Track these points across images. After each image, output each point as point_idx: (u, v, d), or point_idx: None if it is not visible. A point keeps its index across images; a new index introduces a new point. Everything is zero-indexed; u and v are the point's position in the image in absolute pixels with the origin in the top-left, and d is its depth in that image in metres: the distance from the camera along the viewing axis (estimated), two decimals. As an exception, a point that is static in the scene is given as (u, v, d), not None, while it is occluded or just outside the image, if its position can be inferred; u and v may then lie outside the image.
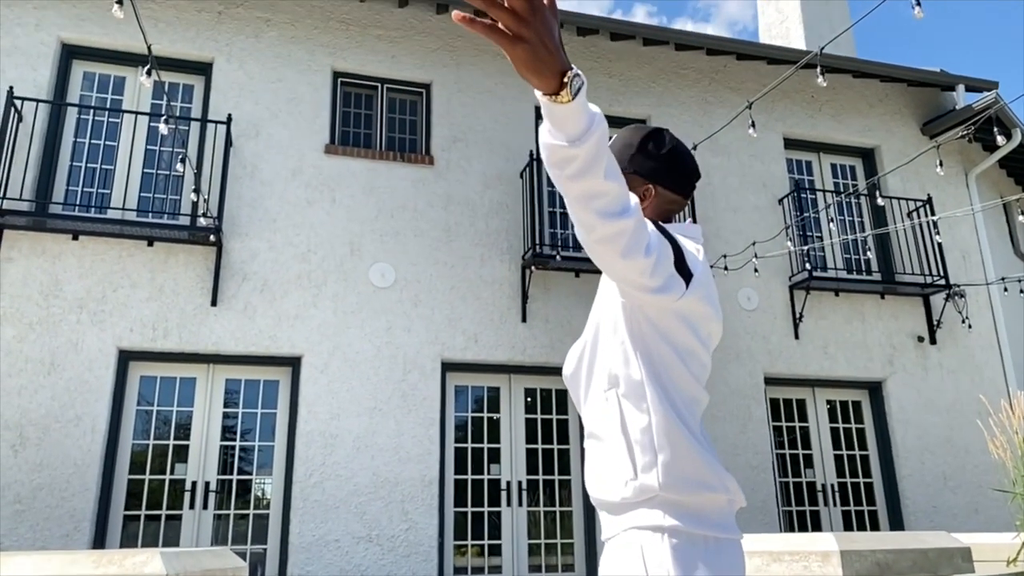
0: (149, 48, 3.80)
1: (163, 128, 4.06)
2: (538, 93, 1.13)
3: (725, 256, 7.95)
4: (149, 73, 3.59)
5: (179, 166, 5.00)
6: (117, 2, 3.02)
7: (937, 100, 9.59)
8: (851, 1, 24.30)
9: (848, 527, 7.92)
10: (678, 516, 1.37)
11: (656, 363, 1.45)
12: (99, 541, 6.02)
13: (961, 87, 9.08)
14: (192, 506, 6.35)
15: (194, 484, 6.40)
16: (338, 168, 7.31)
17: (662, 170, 1.66)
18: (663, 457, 1.40)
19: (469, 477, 7.00)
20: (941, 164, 5.62)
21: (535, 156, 7.62)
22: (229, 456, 6.57)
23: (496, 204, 7.64)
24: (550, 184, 7.99)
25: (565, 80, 1.11)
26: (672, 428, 1.42)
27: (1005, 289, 8.44)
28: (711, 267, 5.41)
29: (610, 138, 1.70)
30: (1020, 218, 6.21)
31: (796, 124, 8.97)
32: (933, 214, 8.30)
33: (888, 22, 32.84)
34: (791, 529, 7.74)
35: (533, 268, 7.36)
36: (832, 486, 7.95)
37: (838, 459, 8.08)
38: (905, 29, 34.26)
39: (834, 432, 8.17)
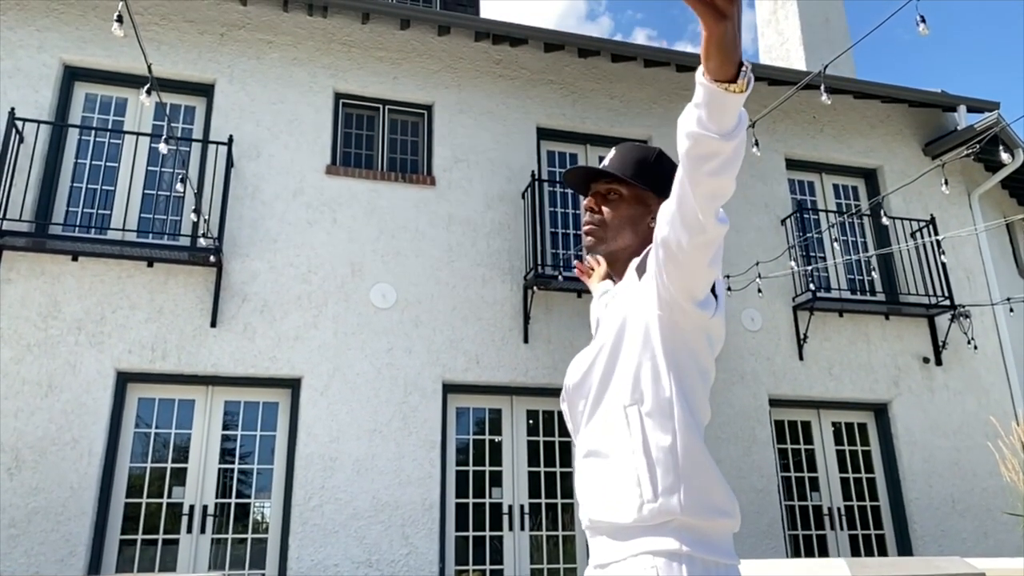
0: (149, 67, 3.79)
1: (163, 148, 4.04)
2: (705, 80, 1.13)
3: (728, 276, 7.90)
4: (149, 92, 3.57)
5: (179, 186, 4.97)
6: (116, 20, 3.01)
7: (938, 121, 9.59)
8: (852, 24, 24.43)
9: (855, 552, 7.79)
10: (693, 542, 1.32)
11: (684, 381, 1.40)
12: (95, 566, 5.92)
13: (963, 107, 9.08)
14: (190, 530, 6.26)
15: (192, 508, 6.31)
16: (339, 189, 7.30)
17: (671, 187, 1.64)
18: (686, 480, 1.35)
19: (470, 501, 6.90)
20: (946, 182, 5.59)
21: (536, 176, 7.60)
22: (227, 479, 6.49)
23: (498, 225, 7.61)
24: (552, 204, 7.97)
25: (742, 70, 1.12)
26: (697, 450, 1.37)
27: (1011, 309, 8.38)
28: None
29: (628, 153, 1.68)
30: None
31: (798, 145, 8.97)
32: (936, 234, 8.26)
33: (888, 45, 33.08)
34: (797, 554, 7.62)
35: (535, 289, 7.31)
36: (839, 509, 7.84)
37: (844, 482, 7.97)
38: (905, 52, 34.51)
39: (840, 454, 8.07)
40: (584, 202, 1.68)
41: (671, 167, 1.62)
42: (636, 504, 1.35)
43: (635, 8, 41.13)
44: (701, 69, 1.14)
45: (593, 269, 2.24)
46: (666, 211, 1.30)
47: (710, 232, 1.24)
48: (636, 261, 1.56)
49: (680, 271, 1.31)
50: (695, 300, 1.35)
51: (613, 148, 1.70)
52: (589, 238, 1.64)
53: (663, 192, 1.57)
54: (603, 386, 1.48)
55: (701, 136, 1.17)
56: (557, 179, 8.13)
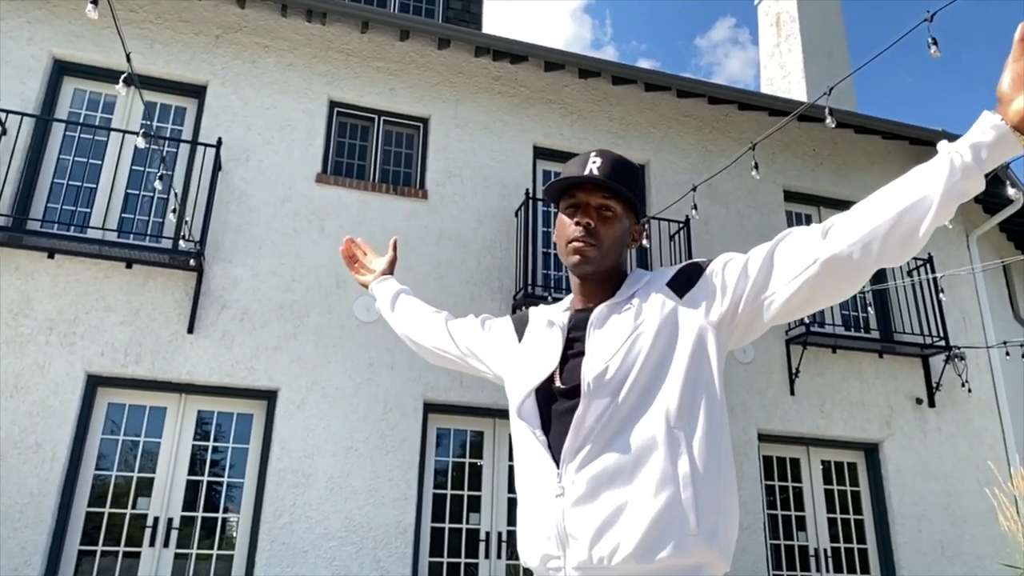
0: (128, 56, 3.64)
1: (140, 142, 3.87)
2: (1005, 128, 1.15)
3: (721, 306, 7.73)
4: (127, 83, 3.41)
5: (157, 184, 4.80)
6: (92, 2, 2.86)
7: (939, 160, 9.50)
8: (855, 60, 24.56)
9: (841, 595, 7.57)
10: None
11: (726, 408, 1.36)
12: (50, 577, 5.66)
13: (963, 147, 8.99)
14: (152, 543, 6.01)
15: (156, 520, 6.06)
16: (329, 198, 7.14)
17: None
18: (725, 519, 1.25)
19: (447, 525, 6.67)
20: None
21: (531, 195, 7.46)
22: (196, 492, 6.25)
23: (489, 242, 7.45)
24: (545, 224, 7.82)
25: None
26: (734, 488, 1.30)
27: (1007, 353, 8.24)
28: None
29: (621, 165, 1.55)
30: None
31: (797, 177, 8.86)
32: (934, 271, 8.14)
33: (890, 87, 33.29)
34: (781, 595, 7.39)
35: (524, 309, 7.12)
36: (825, 551, 7.63)
37: (832, 522, 7.77)
38: (907, 95, 34.74)
39: (828, 494, 7.87)
40: (575, 216, 1.52)
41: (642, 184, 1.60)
42: (669, 542, 1.20)
43: (640, 39, 41.41)
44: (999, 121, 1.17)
45: (366, 254, 2.11)
46: (843, 255, 1.29)
47: (898, 262, 1.29)
48: (667, 276, 1.49)
49: (839, 295, 1.33)
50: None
51: (596, 153, 1.54)
52: (577, 256, 1.50)
53: (641, 213, 1.59)
54: (642, 401, 1.33)
55: (981, 182, 1.20)
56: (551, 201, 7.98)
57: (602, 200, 1.51)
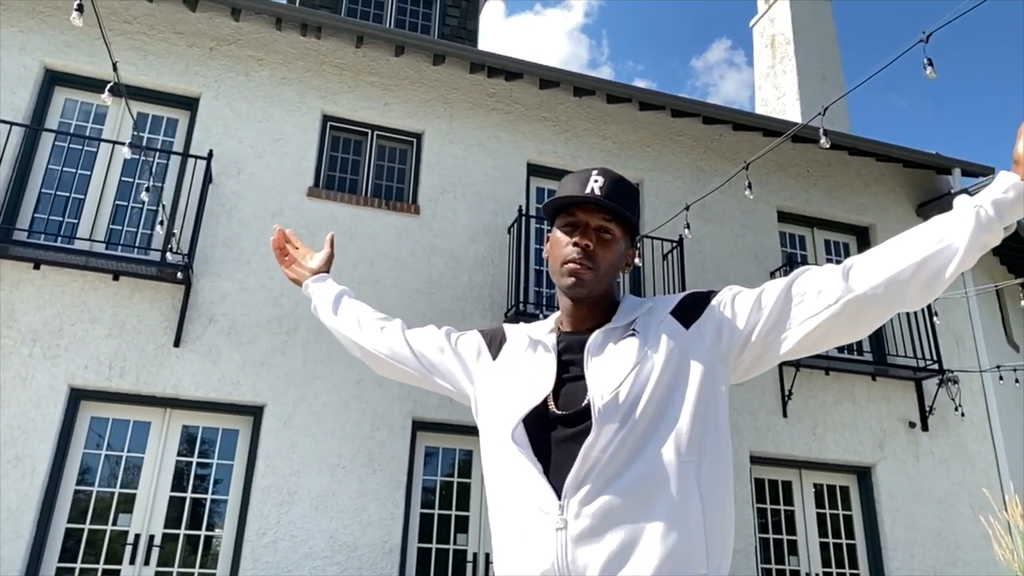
0: (115, 65, 3.59)
1: (126, 152, 3.82)
2: (1018, 186, 1.23)
3: (714, 327, 7.68)
4: (113, 92, 3.36)
5: (143, 195, 4.74)
6: (77, 9, 2.81)
7: (932, 183, 9.53)
8: (849, 83, 24.75)
9: (833, 621, 7.47)
10: None
11: (730, 444, 1.37)
12: (26, 595, 5.54)
13: (957, 171, 9.02)
14: (133, 561, 5.89)
15: (137, 537, 5.94)
16: (320, 212, 7.08)
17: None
18: (728, 552, 1.26)
19: (434, 546, 6.57)
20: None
21: (524, 212, 7.42)
22: (178, 509, 6.14)
23: (481, 258, 7.40)
24: (538, 241, 7.78)
25: None
26: (733, 518, 1.30)
27: (1000, 377, 8.20)
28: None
29: (623, 186, 1.50)
30: (1023, 302, 6.00)
31: (790, 197, 8.85)
32: (927, 296, 8.10)
33: (884, 111, 33.53)
34: (773, 620, 7.29)
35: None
36: (817, 575, 7.54)
37: (824, 547, 7.68)
38: (901, 119, 34.99)
39: (820, 517, 7.79)
40: (573, 236, 1.46)
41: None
42: None
43: (636, 59, 41.66)
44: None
45: (297, 248, 1.95)
46: (865, 298, 1.32)
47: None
48: (670, 305, 1.46)
49: (864, 333, 1.35)
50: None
51: (598, 172, 1.48)
52: (572, 278, 1.44)
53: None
54: (651, 432, 1.29)
55: (1000, 233, 1.25)
56: (546, 216, 7.94)
57: (602, 222, 1.46)
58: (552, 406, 1.37)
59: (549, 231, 1.56)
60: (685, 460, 1.26)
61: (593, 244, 1.44)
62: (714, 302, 1.44)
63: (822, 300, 1.34)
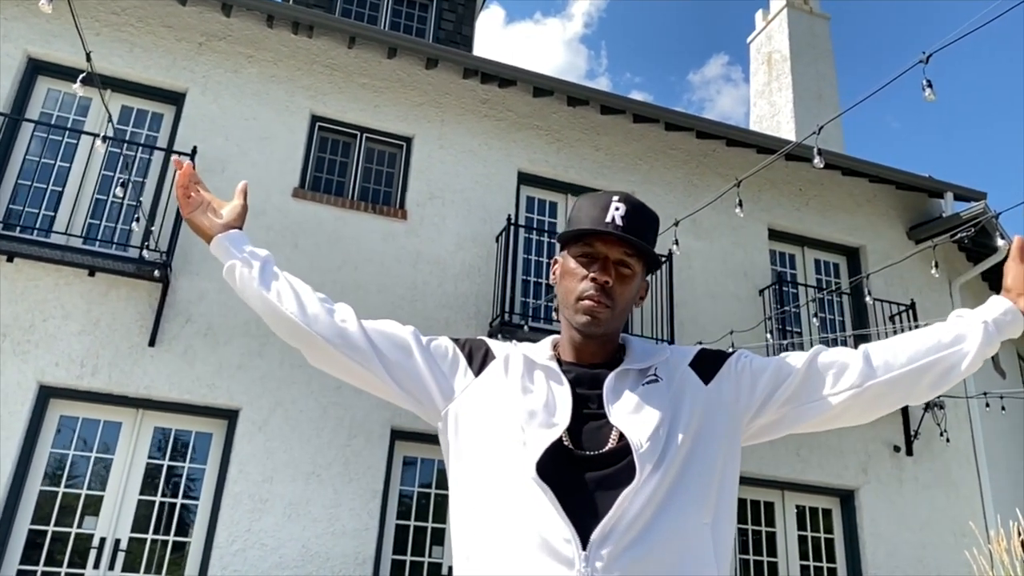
0: (88, 55, 3.47)
1: (100, 145, 3.69)
2: (1019, 314, 1.42)
3: (700, 343, 7.60)
4: (85, 82, 3.24)
5: (119, 191, 4.60)
6: (46, -4, 2.69)
7: (924, 206, 9.49)
8: (844, 102, 24.84)
9: (811, 646, 7.37)
10: None
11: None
12: (-16, 597, 5.37)
13: (950, 195, 8.97)
14: (97, 566, 5.73)
15: (102, 541, 5.78)
16: (305, 213, 6.96)
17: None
18: None
19: (408, 558, 6.42)
20: (937, 265, 5.38)
21: (513, 221, 7.31)
22: (146, 512, 5.98)
23: (467, 266, 7.29)
24: (526, 251, 7.68)
25: None
26: None
27: (987, 404, 8.13)
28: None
29: (647, 217, 1.42)
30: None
31: (782, 216, 8.78)
32: (916, 319, 8.05)
33: (879, 133, 33.68)
34: (751, 644, 7.18)
35: (500, 336, 6.95)
36: (797, 599, 7.43)
37: (804, 570, 7.58)
38: (895, 142, 35.16)
39: (802, 540, 7.70)
40: (590, 269, 1.34)
41: None
42: None
43: (634, 72, 41.74)
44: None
45: (205, 194, 1.52)
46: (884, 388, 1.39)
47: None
48: (688, 357, 1.41)
49: (888, 410, 1.43)
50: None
51: (619, 198, 1.36)
52: (587, 316, 1.33)
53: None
54: (678, 486, 1.25)
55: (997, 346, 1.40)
56: (534, 225, 7.85)
57: (622, 256, 1.35)
58: (567, 441, 1.26)
59: (560, 253, 1.43)
60: (704, 521, 1.25)
61: (612, 280, 1.34)
62: (731, 362, 1.41)
63: (847, 380, 1.38)
